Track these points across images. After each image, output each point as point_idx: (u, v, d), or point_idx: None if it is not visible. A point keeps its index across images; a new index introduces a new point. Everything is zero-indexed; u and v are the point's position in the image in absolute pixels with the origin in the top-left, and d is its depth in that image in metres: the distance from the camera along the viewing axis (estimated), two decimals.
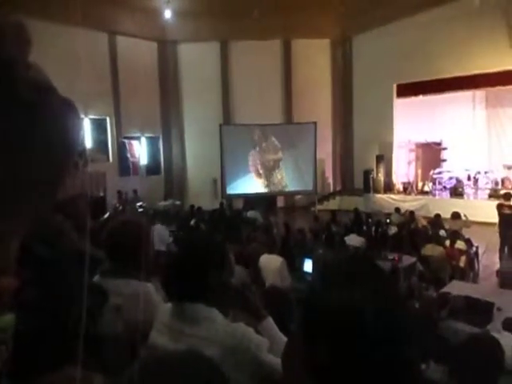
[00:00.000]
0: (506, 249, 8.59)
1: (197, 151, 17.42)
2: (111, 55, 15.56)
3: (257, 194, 16.25)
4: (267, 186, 16.69)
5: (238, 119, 17.38)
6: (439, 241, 7.68)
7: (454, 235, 7.78)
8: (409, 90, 15.72)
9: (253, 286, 1.74)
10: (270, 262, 5.51)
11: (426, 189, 15.65)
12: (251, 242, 7.02)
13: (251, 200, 15.26)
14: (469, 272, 7.63)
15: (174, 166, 17.67)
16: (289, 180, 16.74)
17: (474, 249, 8.11)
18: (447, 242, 7.62)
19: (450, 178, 15.34)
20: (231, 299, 1.56)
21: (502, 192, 10.99)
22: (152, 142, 17.24)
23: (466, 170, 15.54)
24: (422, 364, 2.53)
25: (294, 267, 6.17)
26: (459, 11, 13.33)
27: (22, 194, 0.53)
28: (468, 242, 7.97)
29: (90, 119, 14.74)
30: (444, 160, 16.25)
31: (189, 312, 1.44)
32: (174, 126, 17.56)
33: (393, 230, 9.19)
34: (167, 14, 14.60)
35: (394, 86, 16.12)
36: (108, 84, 15.25)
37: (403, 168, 16.95)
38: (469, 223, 9.31)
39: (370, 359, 0.69)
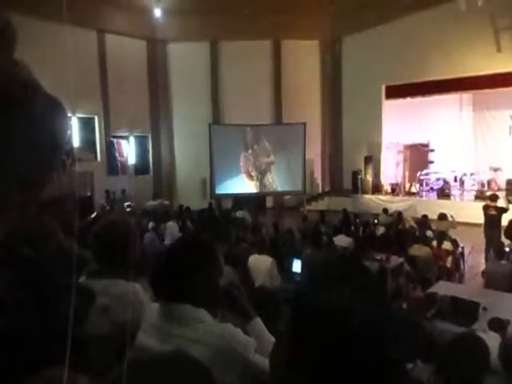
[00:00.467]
0: (491, 250, 8.68)
1: (186, 151, 17.34)
2: (100, 53, 15.41)
3: (246, 194, 16.23)
4: (258, 187, 16.69)
5: (227, 119, 17.34)
6: (426, 241, 7.75)
7: (441, 236, 7.83)
8: (397, 91, 15.87)
9: (241, 286, 1.73)
10: (260, 263, 5.51)
11: (414, 190, 15.83)
12: (240, 242, 7.02)
13: (240, 200, 15.22)
14: (455, 272, 7.72)
15: (162, 165, 17.55)
16: (279, 181, 16.75)
17: (460, 249, 8.19)
18: (434, 243, 7.69)
19: (437, 180, 15.53)
20: (219, 299, 1.55)
21: (489, 193, 11.14)
22: (141, 141, 17.11)
23: (453, 171, 15.74)
24: (409, 363, 2.56)
25: (283, 267, 6.18)
26: (448, 14, 13.50)
27: (5, 193, 0.52)
28: (454, 242, 8.05)
29: (78, 118, 14.57)
30: (431, 162, 16.43)
31: (176, 312, 1.43)
32: (162, 125, 17.45)
33: (381, 230, 9.27)
34: (157, 12, 14.50)
35: (383, 88, 16.25)
36: (96, 82, 15.11)
37: (391, 169, 17.08)
38: (455, 224, 9.41)
39: (357, 359, 0.69)
